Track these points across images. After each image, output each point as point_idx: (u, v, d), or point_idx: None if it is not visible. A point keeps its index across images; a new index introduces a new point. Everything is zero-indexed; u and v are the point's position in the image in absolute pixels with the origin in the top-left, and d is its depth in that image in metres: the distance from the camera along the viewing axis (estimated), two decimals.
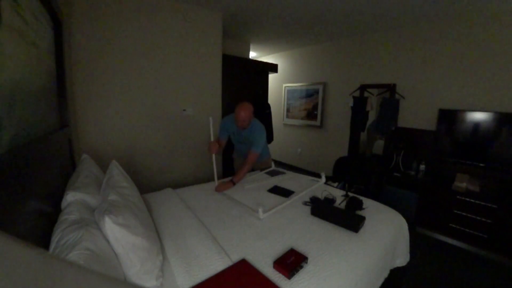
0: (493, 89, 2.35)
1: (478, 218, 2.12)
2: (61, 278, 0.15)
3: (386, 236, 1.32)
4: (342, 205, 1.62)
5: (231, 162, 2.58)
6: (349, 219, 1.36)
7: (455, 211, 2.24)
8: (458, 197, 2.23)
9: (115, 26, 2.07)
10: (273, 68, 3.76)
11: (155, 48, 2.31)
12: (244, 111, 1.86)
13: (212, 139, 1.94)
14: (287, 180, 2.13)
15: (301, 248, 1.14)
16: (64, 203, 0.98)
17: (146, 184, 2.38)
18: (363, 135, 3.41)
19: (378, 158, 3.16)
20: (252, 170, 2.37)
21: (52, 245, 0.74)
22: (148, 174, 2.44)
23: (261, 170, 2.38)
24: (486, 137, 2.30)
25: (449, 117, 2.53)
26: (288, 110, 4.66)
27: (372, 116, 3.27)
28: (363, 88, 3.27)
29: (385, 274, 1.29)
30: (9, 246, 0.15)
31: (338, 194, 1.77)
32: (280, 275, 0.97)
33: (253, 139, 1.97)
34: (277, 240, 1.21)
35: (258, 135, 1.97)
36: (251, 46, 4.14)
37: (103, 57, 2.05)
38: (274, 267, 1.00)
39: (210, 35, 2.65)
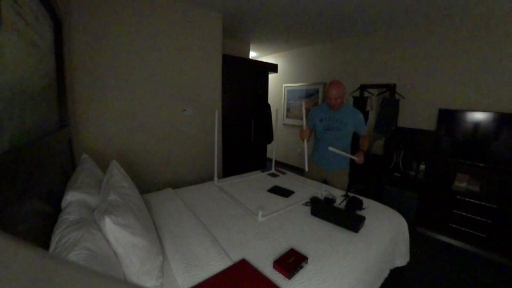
0: (493, 89, 2.35)
1: (478, 218, 2.12)
2: (61, 278, 0.15)
3: (386, 236, 1.32)
4: (342, 205, 1.62)
5: (231, 161, 2.57)
6: (349, 219, 1.36)
7: (455, 211, 2.24)
8: (458, 197, 2.23)
9: (115, 26, 2.07)
10: (273, 68, 3.76)
11: (155, 48, 2.31)
12: (336, 88, 1.75)
13: (304, 126, 1.79)
14: (287, 180, 2.13)
15: (301, 248, 1.14)
16: (64, 203, 0.98)
17: (146, 184, 2.38)
18: None
19: (378, 158, 3.16)
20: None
21: (52, 245, 0.74)
22: (148, 174, 2.44)
23: (262, 171, 2.38)
24: (486, 137, 2.30)
25: (449, 117, 2.53)
26: (288, 110, 4.66)
27: (372, 116, 3.27)
28: (363, 88, 3.27)
29: (385, 274, 1.29)
30: (9, 246, 0.15)
31: (338, 194, 1.77)
32: (280, 275, 0.97)
33: (356, 121, 1.86)
34: (277, 240, 1.21)
35: (359, 115, 1.86)
36: (251, 46, 4.13)
37: (103, 57, 2.05)
38: (274, 267, 1.00)
39: (210, 35, 2.65)
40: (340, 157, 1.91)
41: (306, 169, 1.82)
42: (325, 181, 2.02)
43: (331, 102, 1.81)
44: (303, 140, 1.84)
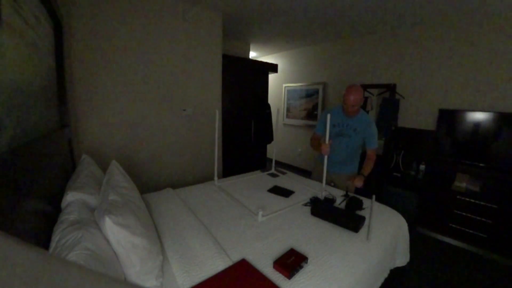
0: (493, 89, 2.35)
1: (478, 218, 2.12)
2: (61, 278, 0.15)
3: (386, 236, 1.32)
4: (342, 205, 1.62)
5: (231, 162, 2.57)
6: (349, 219, 1.36)
7: (455, 211, 2.24)
8: (458, 197, 2.23)
9: (115, 26, 2.07)
10: (273, 68, 3.75)
11: (155, 48, 2.31)
12: (354, 94, 1.67)
13: (327, 141, 1.72)
14: (287, 180, 2.13)
15: (301, 248, 1.14)
16: (64, 203, 0.98)
17: (146, 184, 2.38)
18: None
19: (378, 158, 3.15)
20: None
21: (52, 245, 0.74)
22: (148, 174, 2.44)
23: (262, 171, 2.38)
24: (486, 137, 2.30)
25: (449, 117, 2.53)
26: (288, 110, 4.66)
27: (372, 116, 3.27)
28: (363, 88, 3.27)
29: (385, 274, 1.29)
30: (9, 246, 0.15)
31: (338, 194, 1.77)
32: (280, 275, 0.97)
33: (367, 132, 1.78)
34: (277, 240, 1.21)
35: (372, 126, 1.77)
36: (251, 46, 4.13)
37: (103, 57, 2.05)
38: (274, 267, 1.00)
39: (210, 35, 2.65)
40: (347, 161, 1.92)
41: (324, 185, 1.79)
42: (331, 184, 1.98)
43: (347, 109, 1.73)
44: (316, 150, 1.86)
